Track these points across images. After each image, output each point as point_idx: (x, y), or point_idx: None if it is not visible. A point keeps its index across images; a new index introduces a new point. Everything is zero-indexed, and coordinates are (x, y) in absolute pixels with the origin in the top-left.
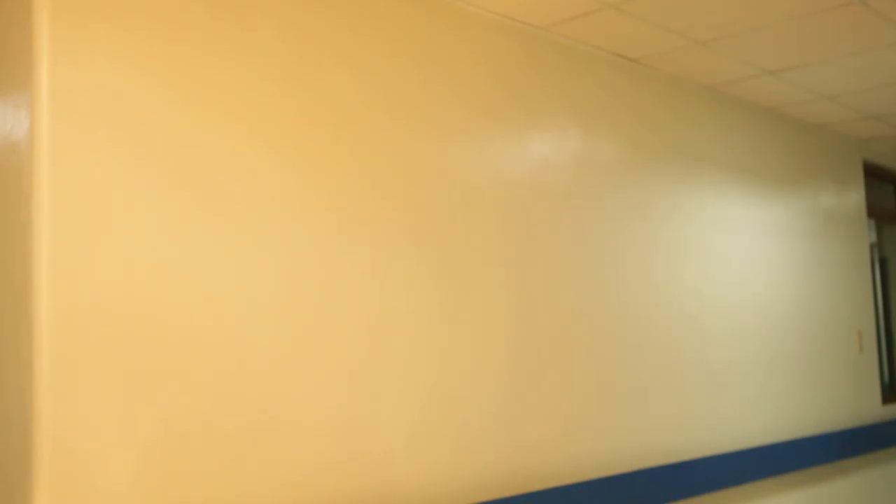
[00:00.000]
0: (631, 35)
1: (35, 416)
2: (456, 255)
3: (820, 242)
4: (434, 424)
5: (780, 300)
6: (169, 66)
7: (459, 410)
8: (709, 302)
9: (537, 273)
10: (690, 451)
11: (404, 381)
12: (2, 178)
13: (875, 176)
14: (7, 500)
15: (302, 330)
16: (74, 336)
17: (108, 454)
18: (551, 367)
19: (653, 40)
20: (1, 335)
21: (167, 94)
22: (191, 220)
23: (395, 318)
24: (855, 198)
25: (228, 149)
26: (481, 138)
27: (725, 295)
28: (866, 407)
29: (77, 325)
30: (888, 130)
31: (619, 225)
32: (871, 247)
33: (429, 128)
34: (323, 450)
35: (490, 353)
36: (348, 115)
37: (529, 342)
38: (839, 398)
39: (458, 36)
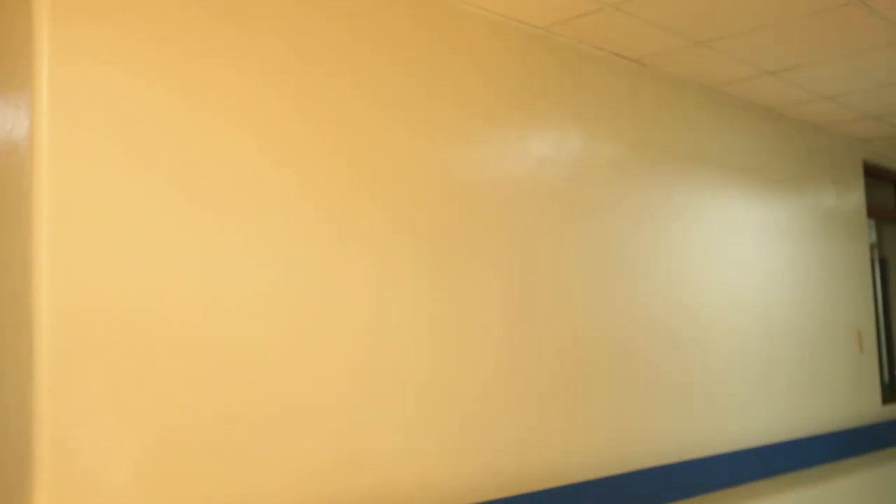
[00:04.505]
0: (631, 35)
1: (35, 416)
2: (455, 256)
3: (820, 242)
4: (433, 425)
5: (779, 300)
6: (169, 69)
7: (459, 411)
8: (709, 302)
9: (535, 274)
10: (690, 451)
11: (404, 382)
12: (2, 178)
13: (875, 176)
14: (7, 500)
15: (301, 331)
16: (74, 336)
17: (108, 454)
18: (550, 367)
19: (653, 40)
20: (1, 335)
21: (167, 96)
22: (190, 220)
23: (394, 320)
24: (855, 198)
25: (227, 150)
26: (480, 140)
27: (725, 295)
28: (866, 407)
29: (77, 325)
30: (888, 130)
31: (619, 225)
32: (871, 247)
33: (428, 130)
34: (323, 450)
35: (489, 354)
36: (347, 117)
37: (528, 342)
38: (839, 398)
39: (457, 37)
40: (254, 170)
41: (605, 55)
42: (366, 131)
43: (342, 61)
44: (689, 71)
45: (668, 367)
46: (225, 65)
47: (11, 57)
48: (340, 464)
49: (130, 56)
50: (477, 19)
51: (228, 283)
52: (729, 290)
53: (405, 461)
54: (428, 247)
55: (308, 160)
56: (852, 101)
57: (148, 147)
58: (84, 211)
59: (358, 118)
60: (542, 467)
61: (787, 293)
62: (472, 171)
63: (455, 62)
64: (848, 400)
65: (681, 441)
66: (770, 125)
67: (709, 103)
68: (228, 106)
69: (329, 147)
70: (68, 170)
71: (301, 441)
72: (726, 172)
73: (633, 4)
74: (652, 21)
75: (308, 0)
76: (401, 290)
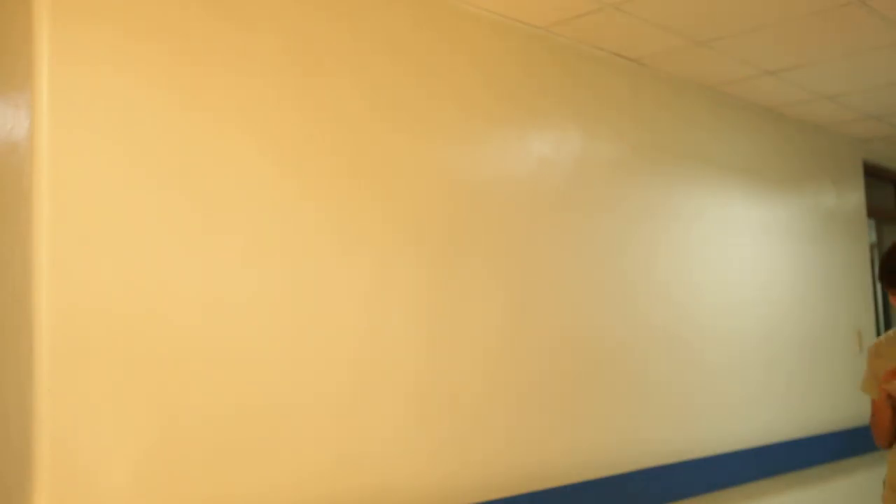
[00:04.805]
0: (631, 35)
1: (35, 416)
2: (454, 256)
3: (820, 242)
4: (433, 425)
5: (780, 300)
6: (169, 69)
7: (458, 411)
8: (709, 302)
9: (534, 274)
10: (690, 451)
11: (403, 382)
12: (2, 178)
13: (875, 176)
14: (7, 500)
15: (300, 331)
16: (74, 336)
17: (108, 454)
18: (550, 366)
19: (653, 40)
20: (1, 335)
21: (167, 96)
22: (190, 220)
23: (393, 319)
24: (855, 198)
25: (227, 150)
26: (480, 140)
27: (725, 295)
28: (866, 407)
29: (77, 325)
30: (888, 130)
31: (619, 226)
32: (871, 247)
33: (428, 129)
34: (322, 450)
35: (488, 353)
36: (347, 117)
37: (528, 342)
38: (839, 398)
39: (457, 37)
40: (254, 170)
41: (605, 55)
42: (365, 131)
43: (342, 61)
44: (689, 71)
45: (667, 367)
46: (225, 65)
47: (11, 57)
48: (339, 463)
49: (130, 56)
50: (477, 19)
51: (228, 283)
52: (729, 291)
53: (404, 461)
54: (427, 247)
55: (308, 160)
56: (852, 101)
57: (148, 147)
58: (84, 211)
59: (358, 118)
60: (542, 467)
61: (788, 293)
62: (472, 171)
63: (455, 62)
64: (848, 400)
65: (681, 441)
66: (770, 125)
67: (709, 103)
68: (228, 106)
69: (329, 147)
70: (68, 170)
71: (300, 441)
72: (726, 172)
73: (633, 4)
74: (652, 21)
75: (308, 1)
76: (399, 289)
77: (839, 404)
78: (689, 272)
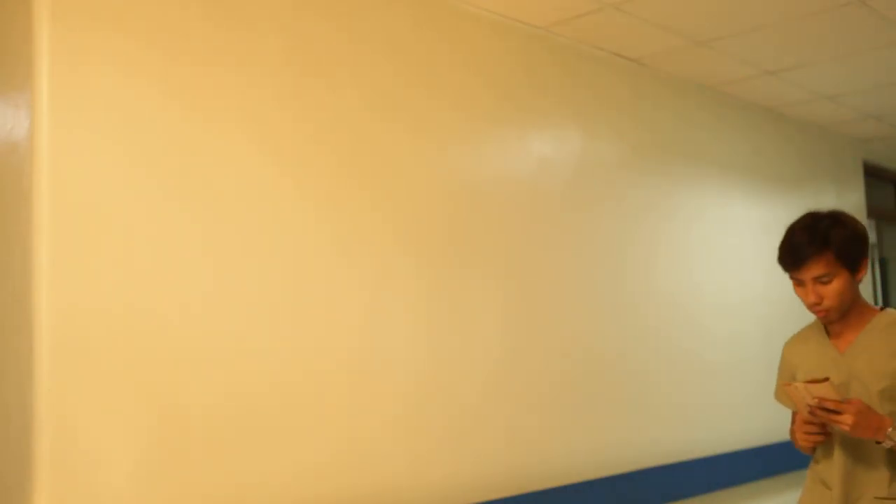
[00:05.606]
0: (631, 35)
1: (35, 416)
2: (454, 257)
3: None
4: (432, 424)
5: (780, 300)
6: (168, 70)
7: (457, 410)
8: (709, 302)
9: (534, 274)
10: (690, 451)
11: (403, 381)
12: (2, 178)
13: (875, 176)
14: (7, 500)
15: (300, 331)
16: (74, 336)
17: (108, 454)
18: (550, 367)
19: (653, 40)
20: (1, 335)
21: (166, 97)
22: (190, 221)
23: (392, 319)
24: (855, 198)
25: (226, 151)
26: (480, 140)
27: (726, 295)
28: None
29: (77, 325)
30: (888, 130)
31: (619, 226)
32: (871, 247)
33: (427, 130)
34: (321, 449)
35: (488, 353)
36: (346, 117)
37: (528, 342)
38: None
39: (457, 37)
40: (253, 170)
41: (605, 55)
42: (365, 131)
43: (341, 62)
44: (689, 71)
45: (667, 366)
46: (224, 65)
47: (11, 57)
48: (338, 463)
49: (130, 57)
50: (477, 19)
51: (227, 283)
52: (729, 291)
53: (404, 461)
54: (426, 247)
55: (307, 161)
56: (852, 101)
57: (147, 147)
58: (84, 211)
59: (357, 118)
60: (542, 467)
61: (788, 292)
62: (472, 171)
63: (455, 62)
64: None
65: (681, 441)
66: (770, 125)
67: (709, 103)
68: (227, 107)
69: (328, 147)
70: (68, 170)
71: (299, 440)
72: (726, 172)
73: (633, 4)
74: (652, 21)
75: (307, 2)
76: (399, 289)
77: None
78: (689, 272)
